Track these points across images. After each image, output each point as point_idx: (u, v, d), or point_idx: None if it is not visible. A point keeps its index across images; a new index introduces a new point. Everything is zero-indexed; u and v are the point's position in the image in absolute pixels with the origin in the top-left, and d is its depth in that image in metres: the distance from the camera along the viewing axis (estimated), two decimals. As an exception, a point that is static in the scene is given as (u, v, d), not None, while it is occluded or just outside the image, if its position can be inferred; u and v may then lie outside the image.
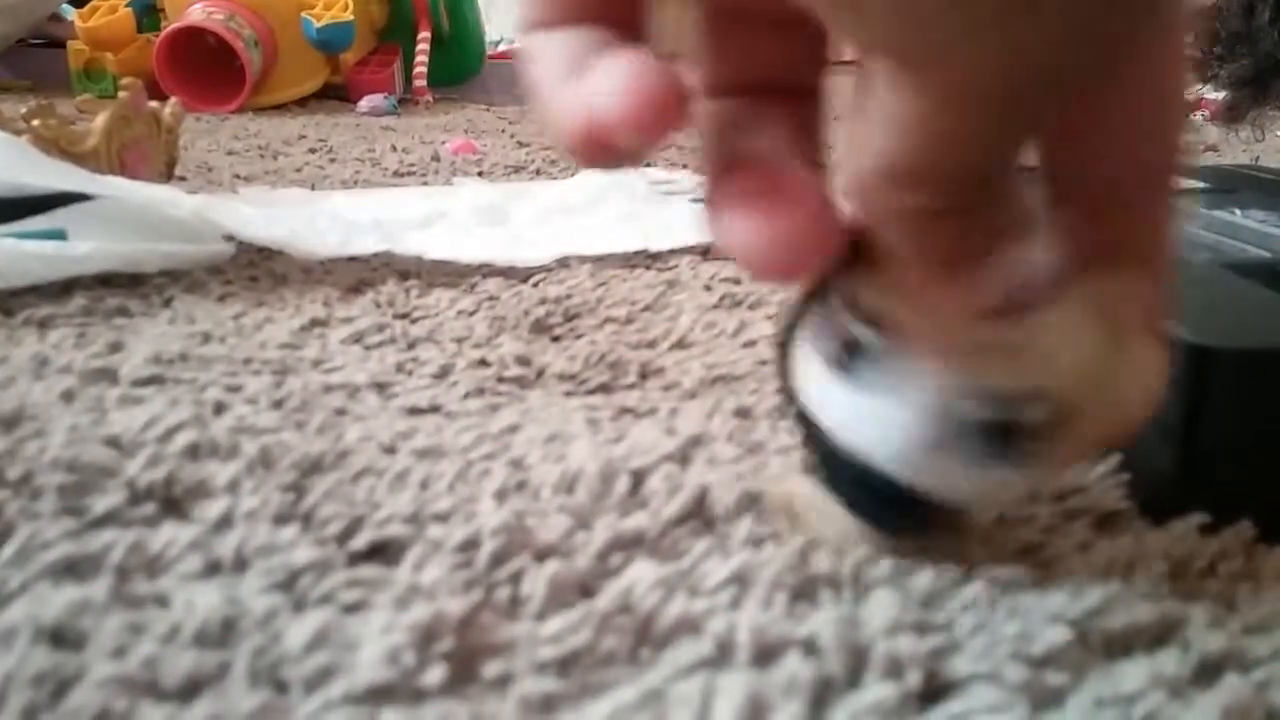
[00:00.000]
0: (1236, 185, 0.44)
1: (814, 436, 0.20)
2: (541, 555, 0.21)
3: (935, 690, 0.17)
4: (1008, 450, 0.18)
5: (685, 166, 0.76)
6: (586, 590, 0.20)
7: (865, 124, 0.16)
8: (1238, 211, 0.38)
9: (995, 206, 0.16)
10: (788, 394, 0.21)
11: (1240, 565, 0.21)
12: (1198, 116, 1.22)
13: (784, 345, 0.21)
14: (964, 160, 0.15)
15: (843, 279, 0.19)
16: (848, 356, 0.19)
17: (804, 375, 0.20)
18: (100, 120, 0.56)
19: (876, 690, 0.17)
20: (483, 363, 0.33)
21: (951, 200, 0.16)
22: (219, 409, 0.28)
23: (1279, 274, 0.30)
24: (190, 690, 0.17)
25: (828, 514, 0.21)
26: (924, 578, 0.20)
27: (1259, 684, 0.17)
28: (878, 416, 0.19)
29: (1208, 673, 0.18)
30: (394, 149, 0.86)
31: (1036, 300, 0.17)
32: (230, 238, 0.45)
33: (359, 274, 0.43)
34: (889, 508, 0.20)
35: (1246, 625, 0.19)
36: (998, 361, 0.18)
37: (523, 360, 0.33)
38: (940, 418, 0.18)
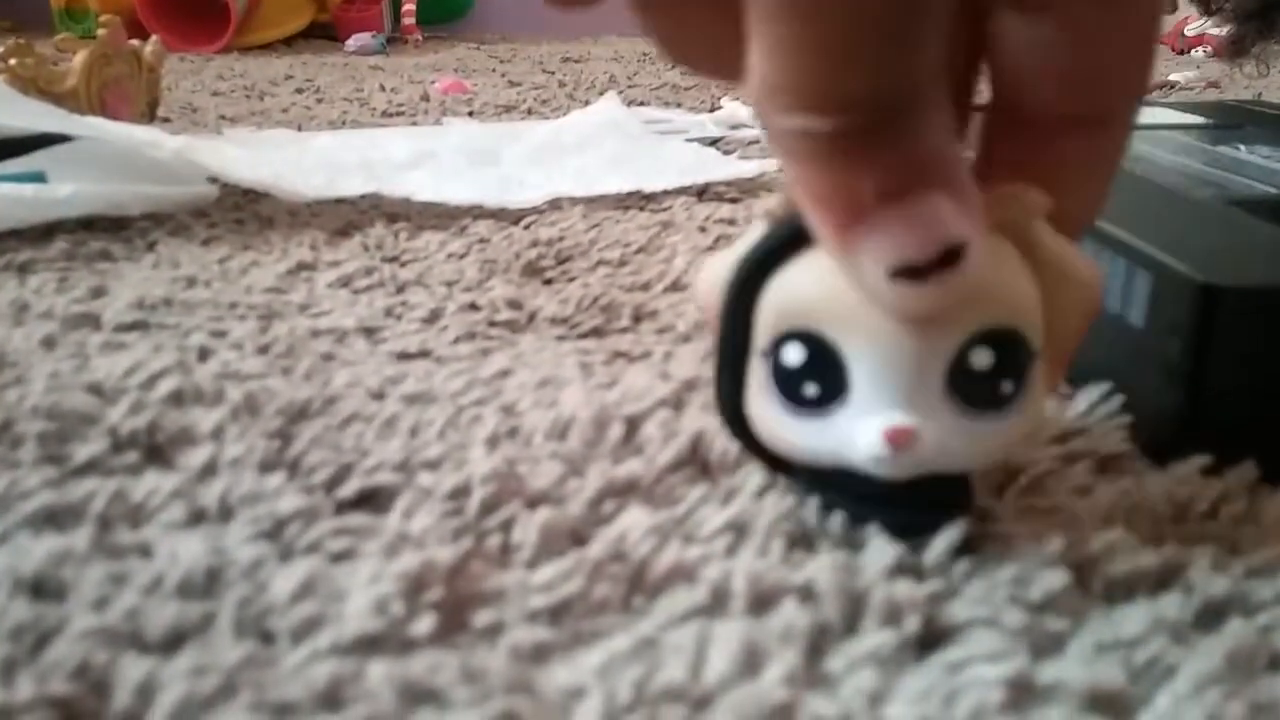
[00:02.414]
0: (1241, 121, 0.43)
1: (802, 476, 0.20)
2: (533, 502, 0.20)
3: (933, 636, 0.17)
4: (991, 398, 0.18)
5: (679, 105, 0.75)
6: (579, 538, 0.19)
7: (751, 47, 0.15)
8: (1242, 147, 0.38)
9: (906, 139, 0.16)
10: (744, 439, 0.20)
11: (1243, 508, 0.21)
12: (1200, 51, 1.21)
13: (727, 398, 0.19)
14: (842, 79, 0.15)
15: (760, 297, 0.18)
16: (796, 389, 0.18)
17: (763, 419, 0.19)
18: (79, 59, 0.54)
19: (874, 637, 0.17)
20: (473, 306, 0.32)
21: (841, 123, 0.15)
22: (203, 354, 0.27)
23: (1285, 211, 0.29)
24: (174, 641, 0.16)
25: None
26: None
27: (1263, 628, 0.17)
28: (854, 428, 0.18)
29: (1211, 616, 0.17)
30: (382, 89, 0.85)
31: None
32: (214, 180, 0.44)
33: (347, 216, 0.42)
34: (921, 507, 0.19)
35: (1250, 568, 0.19)
36: (962, 313, 0.17)
37: (514, 304, 0.32)
38: (920, 388, 0.17)
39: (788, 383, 0.18)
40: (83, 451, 0.22)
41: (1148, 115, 0.45)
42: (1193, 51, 1.24)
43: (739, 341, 0.19)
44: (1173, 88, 0.93)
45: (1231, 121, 0.43)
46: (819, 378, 0.18)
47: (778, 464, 0.20)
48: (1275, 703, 0.15)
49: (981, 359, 0.17)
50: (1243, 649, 0.16)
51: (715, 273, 0.19)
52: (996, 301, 0.17)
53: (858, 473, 0.18)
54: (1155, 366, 0.22)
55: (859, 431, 0.18)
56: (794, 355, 0.18)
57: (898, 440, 0.17)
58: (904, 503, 0.18)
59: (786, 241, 0.18)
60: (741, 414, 0.19)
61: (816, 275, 0.18)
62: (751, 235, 0.19)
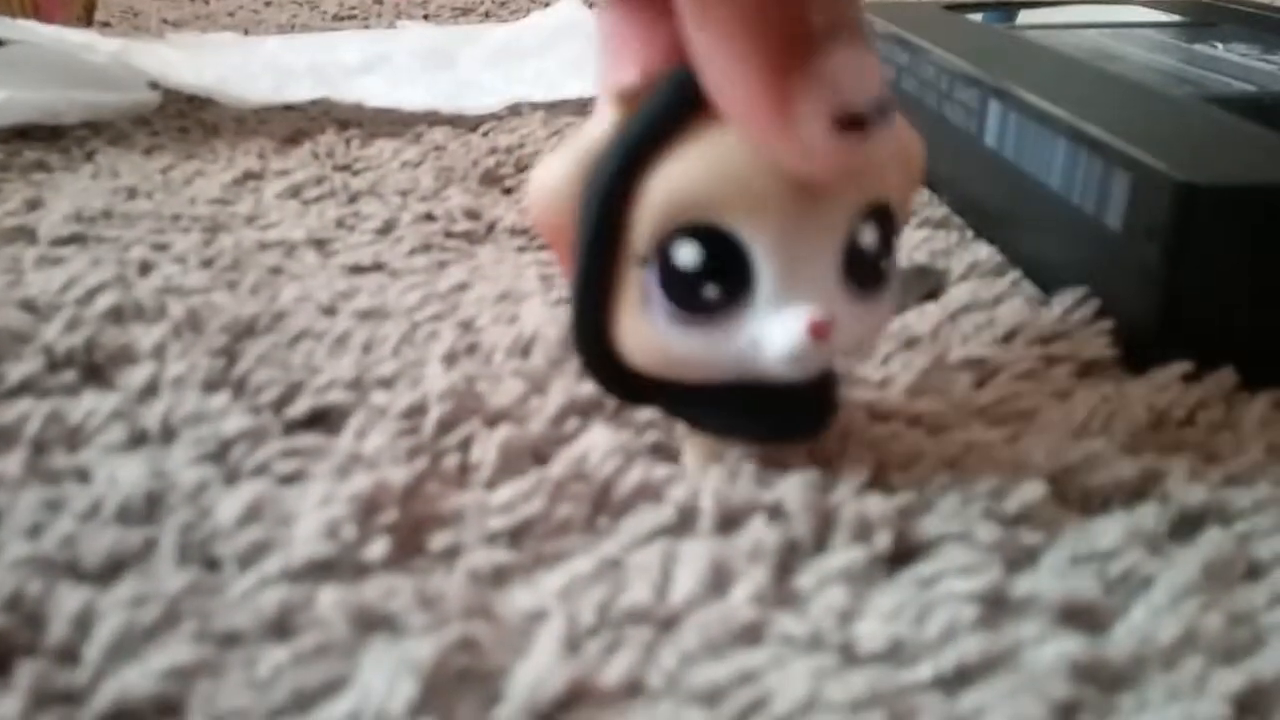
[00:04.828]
0: (1217, 19, 0.42)
1: (678, 402, 0.17)
2: (492, 421, 0.19)
3: (905, 552, 0.16)
4: (876, 277, 0.16)
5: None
6: (540, 457, 0.19)
7: None
8: (1219, 45, 0.37)
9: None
10: (606, 372, 0.17)
11: (1220, 414, 0.20)
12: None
13: (590, 324, 0.17)
14: None
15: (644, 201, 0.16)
16: (692, 294, 0.16)
17: (643, 337, 0.16)
18: (8, -42, 0.51)
19: (844, 554, 0.16)
20: (429, 217, 0.31)
21: None
22: (144, 269, 0.26)
23: (1264, 107, 0.29)
24: (112, 570, 0.16)
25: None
26: (895, 436, 0.19)
27: (1240, 536, 0.17)
28: (767, 328, 0.16)
29: (1187, 526, 0.17)
30: (334, -9, 0.82)
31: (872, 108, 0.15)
32: (156, 85, 0.42)
33: (295, 124, 0.40)
34: (807, 409, 0.18)
35: (1227, 476, 0.18)
36: (865, 185, 0.16)
37: (472, 214, 0.31)
38: (823, 275, 0.16)
39: (681, 288, 0.16)
40: (16, 371, 0.21)
41: (1123, 13, 0.44)
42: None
43: (605, 251, 0.16)
44: (1145, -12, 0.91)
45: (1208, 19, 0.42)
46: (720, 277, 0.16)
47: (641, 395, 0.18)
48: (1253, 613, 0.15)
49: (868, 237, 0.16)
50: (1220, 559, 0.16)
51: (558, 176, 0.16)
52: (874, 174, 0.16)
53: (743, 384, 0.16)
54: (1133, 269, 0.22)
55: (776, 330, 0.16)
56: (689, 255, 0.15)
57: (821, 333, 0.15)
58: (787, 407, 0.17)
59: (657, 126, 0.15)
60: (605, 342, 0.17)
61: (711, 158, 0.15)
62: (597, 128, 0.16)
